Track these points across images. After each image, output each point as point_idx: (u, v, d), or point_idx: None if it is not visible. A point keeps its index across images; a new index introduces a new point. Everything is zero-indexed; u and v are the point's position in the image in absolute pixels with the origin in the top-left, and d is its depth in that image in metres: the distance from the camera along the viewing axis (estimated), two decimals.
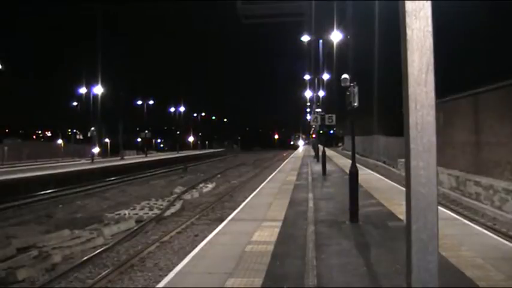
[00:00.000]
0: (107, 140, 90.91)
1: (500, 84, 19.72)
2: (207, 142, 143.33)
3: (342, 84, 13.05)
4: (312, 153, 58.95)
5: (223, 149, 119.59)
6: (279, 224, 12.68)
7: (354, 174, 13.29)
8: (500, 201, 17.53)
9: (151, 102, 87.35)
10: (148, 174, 42.42)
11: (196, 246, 10.99)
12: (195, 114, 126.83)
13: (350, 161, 14.25)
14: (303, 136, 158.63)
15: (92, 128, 56.96)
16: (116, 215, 19.49)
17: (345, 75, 13.05)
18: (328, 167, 31.09)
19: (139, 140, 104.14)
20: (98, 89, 54.79)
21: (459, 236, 10.43)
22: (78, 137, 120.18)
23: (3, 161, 50.35)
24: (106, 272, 11.27)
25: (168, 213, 20.13)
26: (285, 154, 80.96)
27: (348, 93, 12.87)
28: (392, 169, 36.49)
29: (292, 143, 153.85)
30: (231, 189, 29.53)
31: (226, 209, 20.48)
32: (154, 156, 68.88)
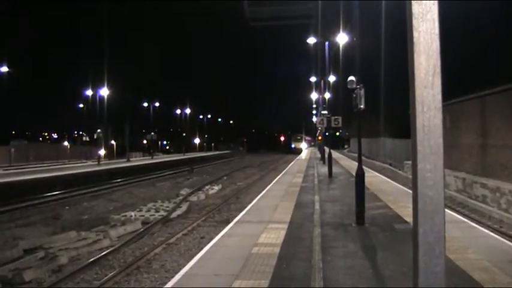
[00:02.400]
0: (113, 142, 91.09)
1: (507, 86, 19.68)
2: (212, 144, 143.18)
3: (349, 87, 13.04)
4: (318, 155, 58.90)
5: (229, 151, 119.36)
6: (285, 226, 12.67)
7: (360, 176, 13.27)
8: (507, 204, 17.49)
9: (157, 104, 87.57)
10: (154, 176, 42.44)
11: (202, 248, 11.02)
12: (201, 116, 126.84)
13: (356, 163, 14.24)
14: (307, 138, 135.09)
15: (98, 130, 57.09)
16: (122, 216, 19.53)
17: (352, 78, 13.03)
18: (335, 169, 31.03)
19: (145, 141, 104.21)
20: (104, 91, 54.91)
21: (466, 239, 10.40)
22: (84, 138, 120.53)
23: (10, 163, 50.55)
24: (112, 273, 11.30)
25: (174, 215, 20.14)
26: (289, 157, 77.74)
27: (355, 95, 12.85)
28: (399, 171, 36.44)
29: (293, 146, 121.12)
30: (237, 191, 29.53)
31: (232, 211, 20.50)
32: (160, 158, 68.95)
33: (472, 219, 15.85)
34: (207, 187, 31.68)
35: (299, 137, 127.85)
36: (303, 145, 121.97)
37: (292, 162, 50.64)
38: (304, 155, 75.52)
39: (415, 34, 2.98)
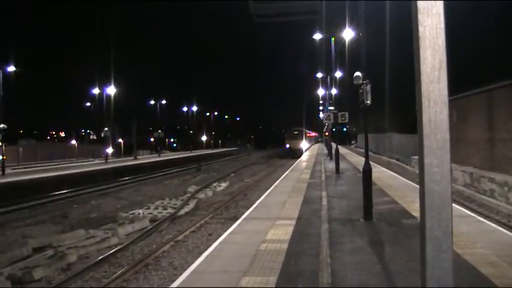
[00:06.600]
0: (120, 140, 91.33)
1: None
2: (220, 141, 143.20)
3: (355, 82, 13.00)
4: (325, 151, 58.78)
5: (236, 148, 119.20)
6: (293, 222, 12.67)
7: (367, 172, 13.23)
8: None
9: (164, 101, 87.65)
10: (162, 173, 42.51)
11: (210, 245, 11.01)
12: (207, 114, 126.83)
13: (363, 159, 14.21)
14: (312, 134, 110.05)
15: (106, 128, 57.22)
16: (130, 214, 19.59)
17: (358, 73, 12.99)
18: (342, 165, 30.96)
19: (152, 139, 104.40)
20: (111, 90, 55.00)
21: (474, 233, 10.37)
22: (91, 137, 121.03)
23: (19, 162, 50.79)
24: (121, 271, 11.34)
25: (182, 212, 20.19)
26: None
27: (361, 90, 12.82)
28: (406, 166, 36.35)
29: (288, 146, 79.56)
30: (245, 187, 29.55)
31: (240, 208, 20.51)
32: (167, 156, 69.05)
33: (480, 214, 15.80)
34: (214, 184, 31.73)
35: (296, 132, 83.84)
36: (304, 144, 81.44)
37: (299, 159, 50.60)
38: (306, 156, 57.22)
39: (421, 29, 2.97)
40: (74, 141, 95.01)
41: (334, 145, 36.17)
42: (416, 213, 12.60)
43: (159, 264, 12.29)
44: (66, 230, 17.40)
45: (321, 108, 74.51)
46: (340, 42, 33.77)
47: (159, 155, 69.05)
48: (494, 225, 12.14)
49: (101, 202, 24.87)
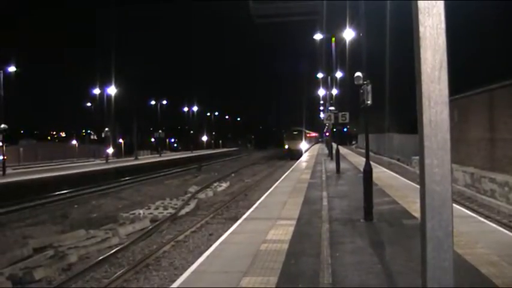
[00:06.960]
0: (121, 140, 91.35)
1: None
2: (220, 141, 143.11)
3: (355, 82, 12.97)
4: (326, 151, 58.72)
5: (236, 148, 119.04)
6: (294, 222, 12.65)
7: (368, 172, 13.22)
8: None
9: (164, 102, 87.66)
10: (163, 174, 42.53)
11: (211, 245, 11.01)
12: (208, 114, 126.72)
13: (364, 159, 14.19)
14: (312, 134, 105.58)
15: (106, 129, 57.24)
16: (131, 214, 19.60)
17: (358, 73, 12.97)
18: (342, 165, 30.96)
19: (153, 139, 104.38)
20: (112, 90, 54.99)
21: (474, 234, 10.36)
22: (92, 137, 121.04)
23: (19, 162, 50.83)
24: (122, 271, 11.34)
25: (182, 212, 20.19)
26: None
27: (362, 91, 12.80)
28: (407, 167, 36.35)
29: (287, 146, 73.16)
30: (245, 188, 29.56)
31: (240, 208, 20.52)
32: (168, 156, 69.07)
33: (481, 214, 15.79)
34: (215, 184, 31.74)
35: (295, 132, 78.07)
36: (303, 145, 75.11)
37: (300, 160, 50.57)
38: (306, 156, 55.56)
39: (421, 29, 2.97)
40: (74, 141, 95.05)
41: (334, 145, 36.17)
42: (416, 214, 12.58)
43: (159, 264, 12.30)
44: (66, 230, 17.41)
45: (321, 108, 74.28)
46: (340, 42, 33.78)
47: (160, 155, 69.08)
48: (494, 225, 12.13)
49: (102, 202, 24.88)
